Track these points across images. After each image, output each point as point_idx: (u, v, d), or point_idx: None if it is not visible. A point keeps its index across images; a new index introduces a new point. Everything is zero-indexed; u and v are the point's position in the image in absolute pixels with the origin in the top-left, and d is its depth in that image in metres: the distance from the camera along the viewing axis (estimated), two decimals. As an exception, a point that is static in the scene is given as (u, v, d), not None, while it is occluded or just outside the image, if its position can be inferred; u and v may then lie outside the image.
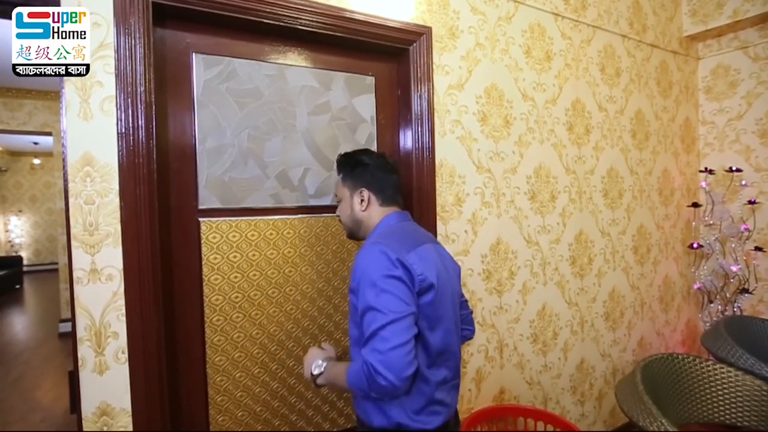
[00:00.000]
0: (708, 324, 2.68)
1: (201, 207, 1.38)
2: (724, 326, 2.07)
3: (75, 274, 1.11)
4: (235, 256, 1.44)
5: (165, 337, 1.26)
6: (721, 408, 1.59)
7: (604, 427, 2.41)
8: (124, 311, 1.16)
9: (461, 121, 1.80)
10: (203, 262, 1.38)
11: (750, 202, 2.60)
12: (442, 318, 1.10)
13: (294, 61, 1.56)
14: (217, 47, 1.42)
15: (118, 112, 1.15)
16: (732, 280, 2.67)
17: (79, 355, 1.11)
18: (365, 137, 1.69)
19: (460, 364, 1.22)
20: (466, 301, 1.39)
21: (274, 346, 1.51)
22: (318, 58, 1.60)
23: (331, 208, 1.63)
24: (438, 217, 1.73)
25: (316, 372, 1.16)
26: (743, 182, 2.63)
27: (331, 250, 1.63)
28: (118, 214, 1.15)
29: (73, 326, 1.11)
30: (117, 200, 1.15)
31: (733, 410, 1.57)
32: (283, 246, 1.53)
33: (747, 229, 2.60)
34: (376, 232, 1.18)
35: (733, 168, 2.68)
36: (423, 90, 1.68)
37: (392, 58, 1.74)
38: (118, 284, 1.16)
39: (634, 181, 2.54)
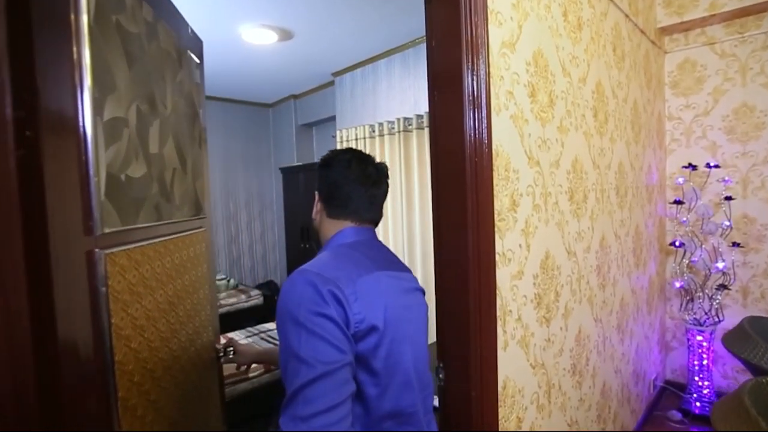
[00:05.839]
0: (690, 323, 2.51)
1: (104, 230, 0.64)
2: (750, 328, 1.83)
3: None
4: (149, 302, 0.72)
5: None
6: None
7: (618, 451, 2.07)
8: None
9: (514, 94, 1.25)
10: (112, 330, 0.64)
11: (727, 199, 2.46)
12: (393, 370, 0.82)
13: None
14: None
15: None
16: (710, 277, 2.52)
17: None
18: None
19: None
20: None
21: None
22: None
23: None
24: (495, 229, 1.16)
25: None
26: (726, 179, 2.49)
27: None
28: None
29: None
30: None
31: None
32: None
33: (729, 226, 2.45)
34: (322, 251, 0.93)
35: (711, 164, 2.52)
36: (479, 45, 1.09)
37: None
38: None
39: (633, 178, 2.23)
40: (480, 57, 1.09)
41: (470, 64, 1.08)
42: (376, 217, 0.99)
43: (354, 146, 3.76)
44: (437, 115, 1.14)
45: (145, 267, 0.73)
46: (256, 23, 2.90)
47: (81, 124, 0.59)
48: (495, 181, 1.15)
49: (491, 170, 1.13)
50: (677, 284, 2.55)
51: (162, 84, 0.86)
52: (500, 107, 1.18)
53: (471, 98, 1.08)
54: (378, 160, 1.02)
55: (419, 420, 0.88)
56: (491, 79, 1.14)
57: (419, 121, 3.28)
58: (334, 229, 0.95)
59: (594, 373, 1.78)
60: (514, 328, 1.25)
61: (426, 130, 3.24)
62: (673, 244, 2.53)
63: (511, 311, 1.24)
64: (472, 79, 1.08)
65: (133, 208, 0.73)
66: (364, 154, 1.01)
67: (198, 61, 1.17)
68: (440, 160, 1.13)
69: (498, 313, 1.17)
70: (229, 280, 4.73)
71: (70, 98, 0.58)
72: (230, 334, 3.30)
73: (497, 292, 1.17)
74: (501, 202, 1.18)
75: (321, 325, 0.72)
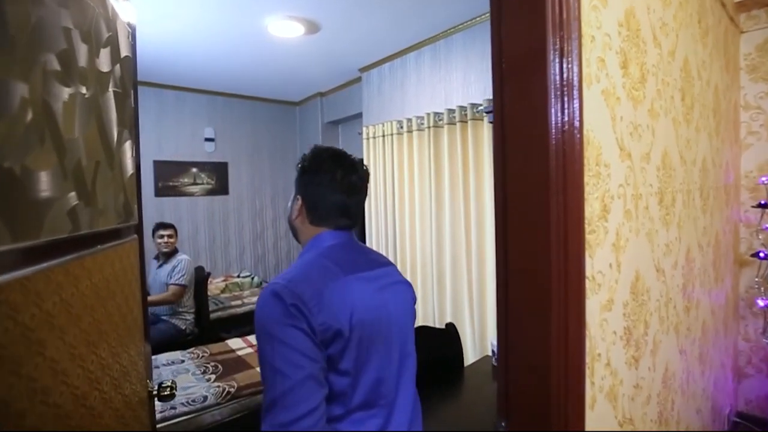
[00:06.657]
0: (776, 349, 2.11)
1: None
2: None
3: None
4: (65, 354, 0.47)
5: None
6: None
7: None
8: None
9: (605, 61, 0.92)
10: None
11: (824, 203, 2.04)
12: (362, 369, 0.83)
13: None
14: None
15: None
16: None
17: None
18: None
19: (410, 418, 0.92)
20: None
21: None
22: None
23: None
24: (585, 244, 0.83)
25: None
26: (825, 178, 2.07)
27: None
28: None
29: None
30: None
31: None
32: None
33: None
34: (302, 254, 0.95)
35: (804, 161, 2.11)
36: (567, -15, 0.77)
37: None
38: None
39: (714, 177, 1.86)
40: (570, 8, 0.77)
41: (558, 16, 0.76)
42: (356, 222, 1.00)
43: (381, 143, 3.47)
44: (508, 96, 0.82)
45: (50, 301, 0.46)
46: (283, 15, 2.66)
47: None
48: (585, 179, 0.83)
49: (582, 164, 0.81)
50: (761, 302, 2.14)
51: (84, 47, 0.58)
52: (591, 78, 0.86)
53: (559, 62, 0.76)
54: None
55: (389, 412, 0.89)
56: (582, 39, 0.82)
57: (451, 116, 2.96)
58: (312, 233, 0.97)
59: (678, 419, 1.43)
60: (602, 377, 0.92)
61: (458, 125, 2.91)
62: (757, 255, 2.13)
63: (599, 354, 0.91)
64: (561, 38, 0.76)
65: (33, 214, 0.45)
66: (347, 157, 0.98)
67: (130, 29, 0.90)
68: (511, 153, 0.82)
69: (586, 359, 0.85)
70: (253, 278, 4.60)
71: None
72: (249, 338, 3.05)
73: (586, 330, 0.84)
74: (591, 207, 0.86)
75: (292, 335, 0.75)
